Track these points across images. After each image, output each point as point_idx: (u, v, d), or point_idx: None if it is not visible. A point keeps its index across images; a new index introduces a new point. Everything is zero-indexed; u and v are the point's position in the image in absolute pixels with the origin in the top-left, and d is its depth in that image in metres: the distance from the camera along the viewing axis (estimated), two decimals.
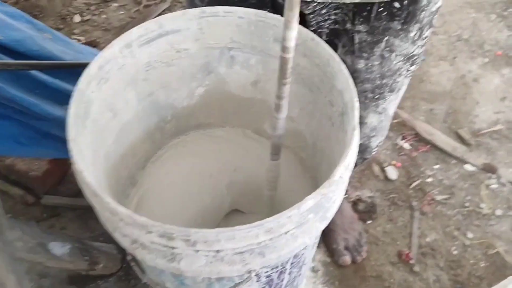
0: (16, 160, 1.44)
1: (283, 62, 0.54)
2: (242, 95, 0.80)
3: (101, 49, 1.78)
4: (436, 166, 1.49)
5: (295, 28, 0.50)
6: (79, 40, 1.81)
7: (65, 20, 1.88)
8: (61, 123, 1.02)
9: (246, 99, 0.80)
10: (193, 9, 0.67)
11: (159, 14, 1.90)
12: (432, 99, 1.64)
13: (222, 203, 0.84)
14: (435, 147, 1.52)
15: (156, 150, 0.83)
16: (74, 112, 0.58)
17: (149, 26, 0.66)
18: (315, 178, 0.81)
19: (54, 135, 1.09)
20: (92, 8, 1.92)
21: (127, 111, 0.72)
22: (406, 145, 1.52)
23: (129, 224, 0.50)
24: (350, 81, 0.60)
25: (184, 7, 1.94)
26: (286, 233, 0.50)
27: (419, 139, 1.53)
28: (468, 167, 1.49)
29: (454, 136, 1.56)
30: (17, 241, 0.98)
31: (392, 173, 1.45)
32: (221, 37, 0.71)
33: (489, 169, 1.48)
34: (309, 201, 0.50)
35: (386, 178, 1.44)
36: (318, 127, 0.74)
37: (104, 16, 1.90)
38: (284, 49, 0.52)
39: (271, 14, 0.67)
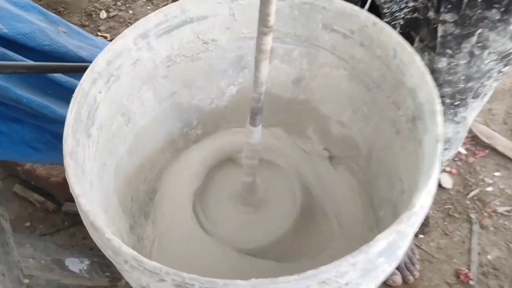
0: (36, 165, 1.35)
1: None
2: (281, 95, 0.67)
3: None
4: (497, 174, 1.32)
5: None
6: (104, 37, 1.71)
7: (91, 17, 1.79)
8: None
9: (286, 100, 0.67)
10: None
11: None
12: (490, 98, 1.46)
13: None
14: (495, 151, 1.35)
15: (177, 156, 0.71)
16: (74, 118, 0.46)
17: (170, 11, 0.54)
18: (369, 194, 0.67)
19: None
20: (119, 3, 1.83)
21: (143, 114, 0.60)
22: (462, 150, 1.35)
23: (135, 269, 0.37)
24: (428, 77, 0.46)
25: None
26: (346, 284, 0.37)
27: (477, 143, 1.36)
28: None
29: None
30: (28, 258, 0.88)
31: (447, 181, 1.29)
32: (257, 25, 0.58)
33: None
34: (381, 241, 0.36)
35: (440, 187, 1.28)
36: (376, 134, 0.60)
37: (131, 11, 1.80)
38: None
39: None
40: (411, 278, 1.13)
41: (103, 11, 1.80)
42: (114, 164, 0.55)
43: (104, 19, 1.79)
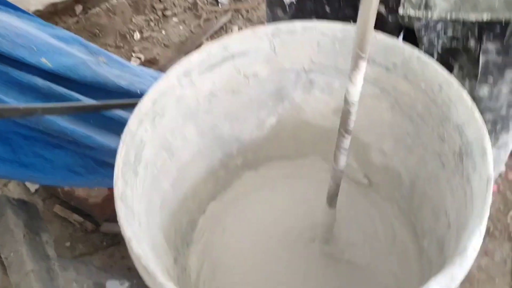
0: None
1: (344, 114, 0.47)
2: (321, 124, 0.67)
3: (160, 66, 1.71)
4: None
5: (359, 83, 0.43)
6: (138, 58, 1.75)
7: (125, 38, 1.83)
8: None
9: (326, 129, 0.67)
10: (265, 26, 0.55)
11: (221, 28, 1.81)
12: None
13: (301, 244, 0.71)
14: None
15: (220, 189, 0.71)
16: (123, 160, 0.47)
17: (212, 50, 0.55)
18: (412, 223, 0.66)
19: (111, 163, 1.01)
20: (152, 24, 1.86)
21: (186, 149, 0.61)
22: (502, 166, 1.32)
23: None
24: (477, 114, 0.45)
25: (245, 20, 1.84)
26: None
27: None
28: None
29: None
30: (71, 282, 0.90)
31: None
32: (298, 59, 0.59)
33: None
34: None
35: None
36: (419, 165, 0.59)
37: (163, 32, 1.84)
38: (346, 102, 0.46)
39: None
40: None
41: (137, 32, 1.84)
42: (160, 200, 0.56)
43: (138, 40, 1.83)
